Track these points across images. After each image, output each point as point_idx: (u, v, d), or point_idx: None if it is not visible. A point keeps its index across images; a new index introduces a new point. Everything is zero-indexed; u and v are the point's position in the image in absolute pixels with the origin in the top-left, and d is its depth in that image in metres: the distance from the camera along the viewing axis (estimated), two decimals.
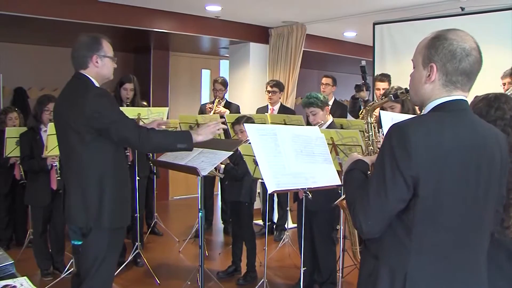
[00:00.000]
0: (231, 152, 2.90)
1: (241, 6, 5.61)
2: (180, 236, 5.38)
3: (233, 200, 4.19)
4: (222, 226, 5.94)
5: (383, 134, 2.67)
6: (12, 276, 1.71)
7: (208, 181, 5.55)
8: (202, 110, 5.69)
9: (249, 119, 4.14)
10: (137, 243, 4.41)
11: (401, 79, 4.10)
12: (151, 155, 4.79)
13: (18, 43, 6.61)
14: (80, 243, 2.49)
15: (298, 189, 2.77)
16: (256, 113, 5.47)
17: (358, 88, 5.03)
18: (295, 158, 2.69)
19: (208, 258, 4.84)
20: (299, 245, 3.80)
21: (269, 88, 5.52)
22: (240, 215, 4.17)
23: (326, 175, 2.77)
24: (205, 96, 8.24)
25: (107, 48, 2.54)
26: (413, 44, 1.62)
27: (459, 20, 4.74)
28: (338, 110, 5.41)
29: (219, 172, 3.97)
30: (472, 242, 1.49)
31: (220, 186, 5.66)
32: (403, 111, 3.51)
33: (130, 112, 3.31)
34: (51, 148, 3.77)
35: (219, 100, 5.52)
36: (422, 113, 1.60)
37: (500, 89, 3.91)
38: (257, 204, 4.83)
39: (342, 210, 2.83)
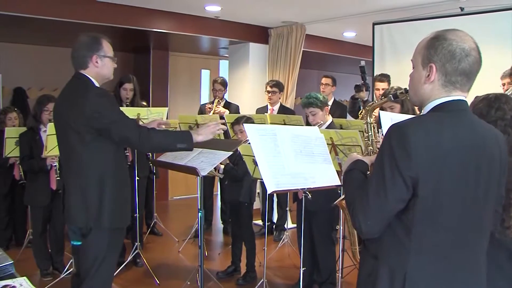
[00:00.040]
0: (231, 152, 2.90)
1: (241, 6, 5.61)
2: (180, 236, 5.38)
3: (233, 200, 4.19)
4: (222, 226, 5.94)
5: (382, 134, 2.67)
6: (12, 276, 1.71)
7: (208, 181, 5.55)
8: (202, 110, 5.69)
9: (249, 119, 4.14)
10: (136, 243, 4.41)
11: (400, 79, 4.11)
12: (150, 155, 4.79)
13: (17, 43, 6.60)
14: (79, 243, 2.49)
15: (297, 189, 2.77)
16: (256, 113, 5.47)
17: (357, 88, 5.04)
18: (294, 158, 2.69)
19: (207, 258, 4.84)
20: (298, 245, 3.81)
21: (268, 88, 5.52)
22: (239, 215, 4.17)
23: (326, 175, 2.77)
24: (205, 96, 8.24)
25: (107, 48, 2.54)
26: (413, 44, 1.62)
27: (459, 20, 4.74)
28: (338, 110, 5.41)
29: (218, 172, 3.97)
30: (471, 242, 1.49)
31: (220, 186, 5.66)
32: (402, 111, 3.51)
33: (129, 112, 3.31)
34: (51, 148, 3.77)
35: (218, 100, 5.52)
36: (421, 113, 1.60)
37: (499, 90, 3.92)
38: (257, 204, 4.83)
39: (341, 210, 2.83)
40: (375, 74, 5.25)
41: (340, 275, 3.79)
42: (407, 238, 1.45)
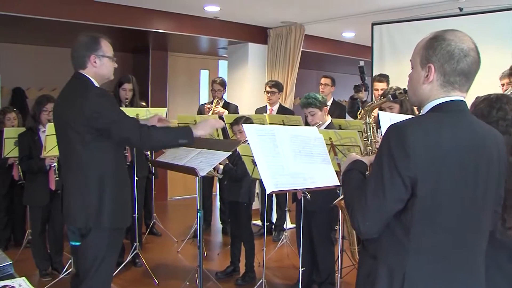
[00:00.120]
0: (230, 153, 2.89)
1: (240, 6, 5.61)
2: (179, 237, 5.37)
3: (232, 201, 4.18)
4: (221, 226, 5.93)
5: (381, 135, 2.67)
6: (11, 276, 1.71)
7: (207, 181, 5.55)
8: (201, 111, 5.69)
9: (248, 120, 4.14)
10: (135, 244, 4.41)
11: (399, 80, 4.10)
12: (149, 155, 4.79)
13: (16, 43, 6.60)
14: (78, 244, 2.48)
15: (296, 189, 2.77)
16: (255, 113, 5.47)
17: (356, 88, 5.04)
18: (293, 159, 2.69)
19: (206, 258, 4.84)
20: (297, 245, 3.81)
21: (268, 89, 5.52)
22: (238, 216, 4.17)
23: (325, 176, 2.77)
24: (204, 96, 8.24)
25: (106, 48, 2.53)
26: (412, 45, 1.61)
27: (458, 20, 4.75)
28: (337, 110, 5.41)
29: (217, 172, 3.97)
30: (470, 243, 1.49)
31: (219, 186, 5.66)
32: (401, 111, 3.52)
33: (128, 112, 3.28)
34: (50, 148, 3.77)
35: (217, 101, 5.52)
36: (420, 114, 1.60)
37: (499, 90, 3.92)
38: (256, 205, 4.83)
39: (340, 210, 2.84)
40: (374, 75, 5.26)
41: (339, 275, 3.79)
42: (406, 238, 1.45)
